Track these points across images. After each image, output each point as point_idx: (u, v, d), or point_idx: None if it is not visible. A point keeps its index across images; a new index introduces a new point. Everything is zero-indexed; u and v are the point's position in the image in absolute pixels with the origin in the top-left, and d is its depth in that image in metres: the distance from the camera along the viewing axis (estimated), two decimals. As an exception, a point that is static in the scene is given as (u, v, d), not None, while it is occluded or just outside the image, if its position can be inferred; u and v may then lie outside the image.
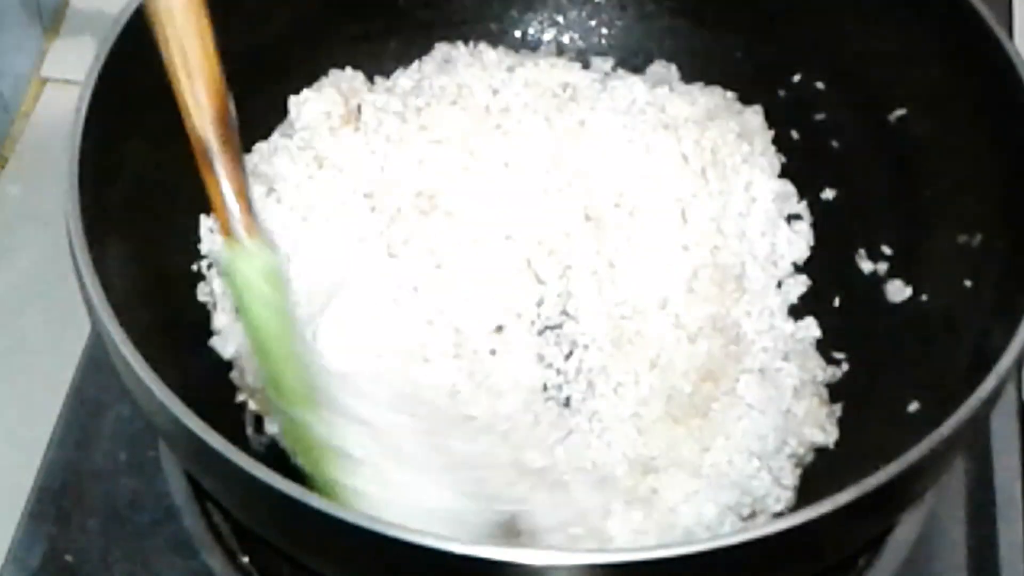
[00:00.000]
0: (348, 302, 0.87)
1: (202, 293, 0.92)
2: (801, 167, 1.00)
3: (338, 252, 0.91)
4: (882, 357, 0.91)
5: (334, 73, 1.00)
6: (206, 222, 0.93)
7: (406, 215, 0.93)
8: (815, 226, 0.99)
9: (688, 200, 0.95)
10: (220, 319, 0.91)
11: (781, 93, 1.02)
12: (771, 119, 1.02)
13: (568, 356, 0.90)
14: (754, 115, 1.01)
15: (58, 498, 0.89)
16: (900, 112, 0.95)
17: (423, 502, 0.73)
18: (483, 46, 1.03)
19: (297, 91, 0.98)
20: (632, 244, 0.93)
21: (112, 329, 0.74)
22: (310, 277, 0.90)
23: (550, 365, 0.90)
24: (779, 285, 0.96)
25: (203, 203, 0.93)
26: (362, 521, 0.67)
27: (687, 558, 0.67)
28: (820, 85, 1.00)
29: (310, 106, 0.97)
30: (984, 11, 0.87)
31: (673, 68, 1.04)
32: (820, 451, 0.89)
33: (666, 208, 0.95)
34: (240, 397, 0.89)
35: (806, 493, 0.86)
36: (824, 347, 0.93)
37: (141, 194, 0.88)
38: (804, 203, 0.99)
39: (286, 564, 0.85)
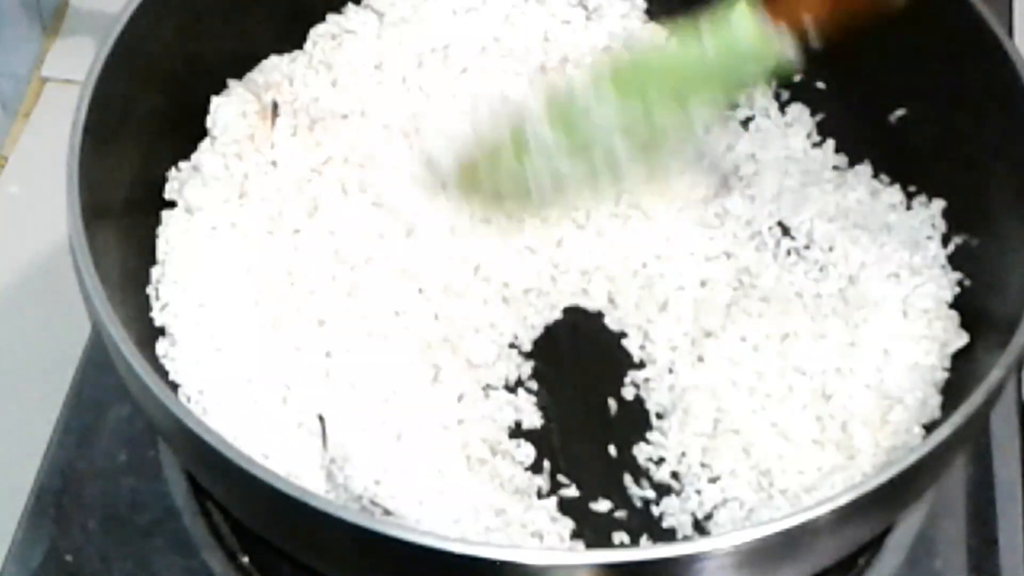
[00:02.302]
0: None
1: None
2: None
3: (254, 279, 0.89)
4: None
5: (246, 76, 0.97)
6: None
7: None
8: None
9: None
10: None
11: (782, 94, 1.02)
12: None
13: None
14: (755, 116, 1.01)
15: (58, 498, 0.89)
16: (900, 112, 0.95)
17: None
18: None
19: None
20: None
21: (112, 329, 0.74)
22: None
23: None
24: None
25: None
26: (362, 521, 0.67)
27: (687, 558, 0.67)
28: (820, 85, 1.00)
29: (223, 111, 0.93)
30: (984, 11, 0.87)
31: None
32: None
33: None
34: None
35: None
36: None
37: (141, 194, 0.88)
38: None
39: (286, 564, 0.84)
